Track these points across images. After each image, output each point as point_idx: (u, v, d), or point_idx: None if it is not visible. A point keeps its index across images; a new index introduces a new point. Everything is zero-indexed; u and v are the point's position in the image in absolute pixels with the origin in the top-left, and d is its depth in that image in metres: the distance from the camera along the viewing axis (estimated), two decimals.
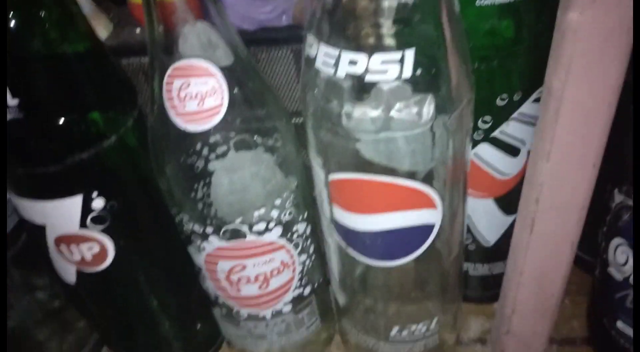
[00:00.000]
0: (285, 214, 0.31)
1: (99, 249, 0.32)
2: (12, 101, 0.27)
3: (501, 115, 0.32)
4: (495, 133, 0.33)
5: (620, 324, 0.34)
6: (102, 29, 0.35)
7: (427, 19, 0.24)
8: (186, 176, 0.29)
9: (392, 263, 0.31)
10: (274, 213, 0.31)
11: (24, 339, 0.40)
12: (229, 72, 0.27)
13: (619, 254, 0.32)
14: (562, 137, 0.28)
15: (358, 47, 0.24)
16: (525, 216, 0.32)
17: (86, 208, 0.30)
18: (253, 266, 0.32)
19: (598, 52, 0.26)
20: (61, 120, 0.28)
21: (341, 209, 0.29)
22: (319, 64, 0.25)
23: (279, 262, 0.32)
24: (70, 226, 0.30)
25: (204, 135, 0.28)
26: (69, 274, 0.33)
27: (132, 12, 0.35)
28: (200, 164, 0.28)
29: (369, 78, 0.24)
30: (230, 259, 0.32)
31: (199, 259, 0.33)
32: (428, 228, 0.29)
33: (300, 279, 0.34)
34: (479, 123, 0.32)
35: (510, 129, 0.33)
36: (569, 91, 0.27)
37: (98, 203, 0.30)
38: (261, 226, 0.30)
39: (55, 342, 0.41)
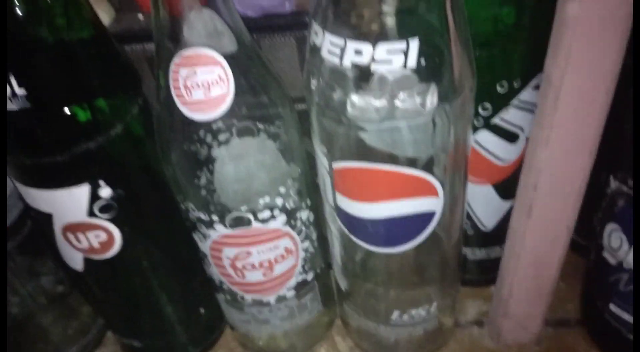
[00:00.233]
0: (289, 202, 0.32)
1: (106, 237, 0.32)
2: (18, 90, 0.27)
3: (501, 102, 0.33)
4: (495, 120, 0.33)
5: (613, 307, 0.35)
6: (105, 15, 0.35)
7: (431, 7, 0.25)
8: (191, 164, 0.30)
9: (394, 250, 0.31)
10: (278, 201, 0.31)
11: (28, 324, 0.40)
12: (234, 60, 0.28)
13: (614, 239, 0.33)
14: (560, 124, 0.29)
15: (363, 36, 0.24)
16: (524, 201, 0.33)
17: (93, 197, 0.30)
18: (257, 253, 0.32)
19: (596, 42, 0.26)
20: (67, 110, 0.28)
21: (344, 196, 0.30)
22: (324, 52, 0.25)
23: (283, 249, 0.33)
24: (77, 214, 0.31)
25: (210, 124, 0.28)
26: (76, 262, 0.34)
27: None
28: (205, 152, 0.29)
29: (374, 67, 0.25)
30: (235, 246, 0.32)
31: (204, 246, 0.33)
32: (430, 215, 0.30)
33: (304, 266, 0.35)
34: (479, 110, 0.33)
35: (509, 116, 0.33)
36: (567, 80, 0.27)
37: (105, 192, 0.31)
38: (266, 214, 0.31)
39: (60, 327, 0.42)
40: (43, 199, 0.31)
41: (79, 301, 0.42)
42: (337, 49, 0.25)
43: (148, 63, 0.35)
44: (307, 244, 0.35)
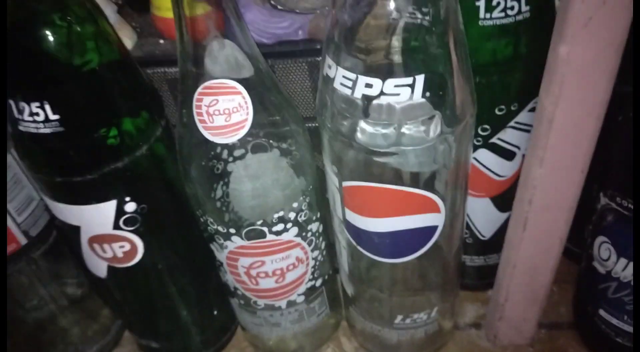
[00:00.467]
0: (301, 215, 0.34)
1: (130, 247, 0.34)
2: (53, 116, 0.29)
3: (499, 124, 0.35)
4: (494, 139, 0.36)
5: (602, 312, 0.37)
6: (127, 40, 0.37)
7: (436, 45, 0.27)
8: (211, 181, 0.32)
9: (398, 260, 0.34)
10: (291, 215, 0.33)
11: (50, 325, 0.43)
12: (251, 85, 0.30)
13: (603, 250, 0.35)
14: (554, 146, 0.31)
15: (373, 71, 0.27)
16: (519, 215, 0.35)
17: (119, 211, 0.33)
18: (271, 262, 0.35)
19: (586, 77, 0.28)
20: (98, 133, 0.30)
21: (353, 212, 0.32)
22: (337, 84, 0.28)
23: (294, 258, 0.35)
24: (104, 227, 0.33)
25: (230, 146, 0.30)
26: (100, 269, 0.36)
27: (154, 24, 0.37)
28: (223, 170, 0.31)
29: (382, 99, 0.27)
30: (251, 256, 0.34)
31: (221, 256, 0.36)
32: (432, 229, 0.32)
33: (313, 273, 0.37)
34: (479, 130, 0.35)
35: (507, 136, 0.35)
36: (560, 108, 0.30)
37: (130, 207, 0.33)
38: (279, 227, 0.33)
39: (80, 328, 0.44)
40: (72, 213, 0.33)
41: (99, 304, 0.45)
42: (349, 82, 0.27)
43: (169, 86, 0.37)
44: (316, 253, 0.37)
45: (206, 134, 0.30)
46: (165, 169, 0.34)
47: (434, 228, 0.32)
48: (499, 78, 0.33)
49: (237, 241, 0.34)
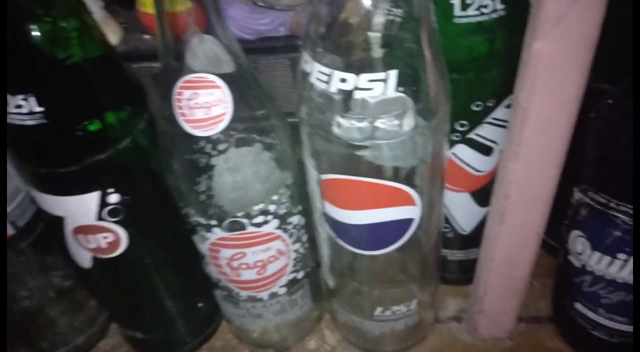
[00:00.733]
0: (281, 208, 0.35)
1: (113, 238, 0.35)
2: (37, 109, 0.30)
3: (476, 120, 0.36)
4: (471, 135, 0.36)
5: (578, 305, 0.38)
6: (113, 35, 0.37)
7: (410, 42, 0.28)
8: (192, 173, 0.33)
9: (377, 252, 0.34)
10: (272, 207, 0.34)
11: (38, 316, 0.43)
12: (231, 80, 0.31)
13: (578, 244, 0.36)
14: (528, 141, 0.32)
15: (348, 66, 0.27)
16: (496, 209, 0.36)
17: (103, 202, 0.33)
18: (252, 254, 0.35)
19: (559, 72, 0.29)
20: (81, 125, 0.31)
21: (331, 204, 0.33)
22: (313, 79, 0.28)
23: (275, 250, 0.36)
24: (87, 218, 0.34)
25: (209, 138, 0.31)
26: (85, 260, 0.37)
27: (140, 19, 0.38)
28: (205, 162, 0.32)
29: (357, 93, 0.27)
30: (232, 247, 0.35)
31: (203, 247, 0.36)
32: (408, 222, 0.33)
33: (294, 265, 0.38)
34: (457, 126, 0.36)
35: (484, 132, 0.36)
36: (534, 103, 0.30)
37: (113, 198, 0.34)
38: (260, 219, 0.34)
39: (67, 319, 0.45)
40: (56, 204, 0.34)
41: (86, 295, 0.45)
42: (325, 77, 0.28)
43: (153, 80, 0.38)
44: (297, 245, 0.38)
45: (186, 127, 0.30)
46: (148, 161, 0.35)
47: (411, 220, 0.33)
48: (475, 75, 0.34)
49: (218, 233, 0.34)
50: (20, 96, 0.30)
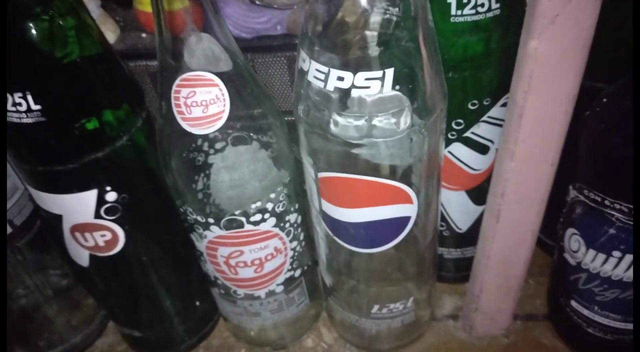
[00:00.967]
0: (278, 206, 0.35)
1: (111, 236, 0.35)
2: (34, 106, 0.30)
3: (472, 118, 0.36)
4: (467, 134, 0.36)
5: (574, 303, 0.38)
6: (111, 34, 0.37)
7: (406, 40, 0.28)
8: (190, 171, 0.33)
9: (374, 250, 0.35)
10: (269, 205, 0.34)
11: (35, 315, 0.44)
12: (229, 78, 0.31)
13: (573, 242, 0.36)
14: (524, 140, 0.32)
15: (345, 64, 0.27)
16: (492, 207, 0.36)
17: (100, 201, 0.33)
18: (249, 252, 0.36)
19: (555, 71, 0.29)
20: (79, 123, 0.31)
21: (328, 202, 0.33)
22: (310, 77, 0.29)
23: (272, 248, 0.36)
24: (85, 216, 0.34)
25: (207, 137, 0.31)
26: (82, 258, 0.37)
27: (137, 18, 0.38)
28: (202, 161, 0.32)
29: (354, 92, 0.28)
30: (229, 245, 0.35)
31: (201, 246, 0.36)
32: (405, 220, 0.33)
33: (292, 263, 0.38)
34: (453, 125, 0.36)
35: (480, 130, 0.36)
36: (530, 102, 0.31)
37: (111, 196, 0.34)
38: (257, 217, 0.34)
39: (64, 318, 0.45)
40: (54, 202, 0.34)
41: (83, 294, 0.45)
42: (322, 75, 0.28)
43: (151, 78, 0.38)
44: (295, 243, 0.38)
45: (184, 125, 0.31)
46: (146, 159, 0.35)
47: (408, 218, 0.33)
48: (471, 73, 0.34)
49: (215, 231, 0.35)
50: (18, 94, 0.30)
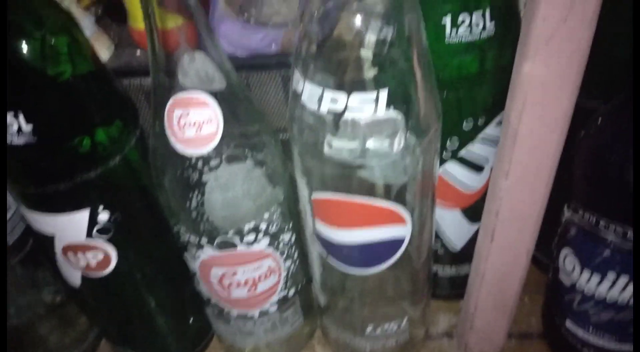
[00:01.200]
0: (272, 226, 0.35)
1: (103, 256, 0.35)
2: (26, 127, 0.30)
3: (467, 137, 0.36)
4: (462, 152, 0.36)
5: (569, 324, 0.38)
6: (105, 50, 0.37)
7: (400, 62, 0.28)
8: (183, 191, 0.33)
9: (368, 270, 0.34)
10: (263, 225, 0.34)
11: (28, 333, 0.43)
12: (222, 97, 0.31)
13: (568, 262, 0.36)
14: (518, 159, 0.32)
15: (339, 86, 0.27)
16: (487, 226, 0.36)
17: (92, 221, 0.33)
18: (243, 272, 0.35)
19: (549, 92, 0.29)
20: (71, 143, 0.31)
21: (322, 223, 0.33)
22: (304, 99, 0.28)
23: (266, 268, 0.36)
24: (77, 236, 0.33)
25: (201, 157, 0.31)
26: (74, 278, 0.37)
27: (131, 35, 0.38)
28: (196, 181, 0.32)
29: (347, 113, 0.27)
30: (223, 266, 0.35)
31: (194, 265, 0.36)
32: (399, 240, 0.33)
33: (285, 283, 0.38)
34: (448, 143, 0.36)
35: (475, 149, 0.36)
36: (524, 123, 0.31)
37: (103, 216, 0.33)
38: (251, 237, 0.34)
39: (57, 336, 0.45)
40: (46, 222, 0.33)
41: (76, 312, 0.45)
42: (316, 97, 0.28)
43: (145, 96, 0.38)
44: (289, 263, 0.37)
45: (177, 146, 0.30)
46: (139, 178, 0.35)
47: (402, 239, 0.33)
48: (466, 93, 0.34)
49: (208, 251, 0.34)
50: (10, 113, 0.29)
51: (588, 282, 0.35)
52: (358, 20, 0.27)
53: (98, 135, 0.32)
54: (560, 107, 0.30)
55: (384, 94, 0.27)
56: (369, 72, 0.28)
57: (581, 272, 0.35)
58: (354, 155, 0.29)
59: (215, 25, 0.35)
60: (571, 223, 0.35)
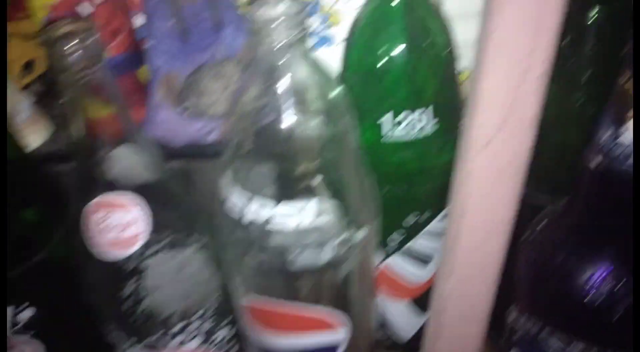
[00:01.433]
0: (206, 323, 0.33)
1: None
2: None
3: (412, 231, 0.35)
4: (408, 246, 0.35)
5: None
6: (37, 136, 0.36)
7: (331, 164, 0.27)
8: (110, 290, 0.31)
9: None
10: (195, 324, 0.32)
11: None
12: (150, 190, 0.29)
13: None
14: (462, 259, 0.31)
15: (265, 195, 0.26)
16: (434, 324, 0.35)
17: (17, 317, 0.31)
18: None
19: (491, 191, 0.29)
20: None
21: (254, 327, 0.31)
22: (230, 204, 0.27)
23: None
24: None
25: (126, 258, 0.29)
26: None
27: None
28: (121, 283, 0.30)
29: (274, 223, 0.26)
30: None
31: None
32: (335, 345, 0.31)
33: None
34: (393, 237, 0.35)
35: (420, 243, 0.35)
36: (467, 222, 0.30)
37: (27, 313, 0.31)
38: (180, 338, 0.32)
39: None
40: None
41: None
42: (241, 205, 0.26)
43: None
44: None
45: (99, 250, 0.29)
46: (65, 274, 0.33)
47: (338, 343, 0.31)
48: (409, 188, 0.33)
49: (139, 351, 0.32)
50: None
51: None
52: (284, 123, 0.26)
53: (23, 231, 0.30)
54: (503, 208, 0.30)
55: (312, 203, 0.26)
56: (301, 180, 0.27)
57: None
58: (282, 263, 0.27)
59: (152, 114, 0.34)
60: (516, 325, 0.34)
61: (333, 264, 0.28)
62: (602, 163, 0.25)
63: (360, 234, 0.29)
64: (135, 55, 0.35)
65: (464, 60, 0.33)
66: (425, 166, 0.32)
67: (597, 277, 0.28)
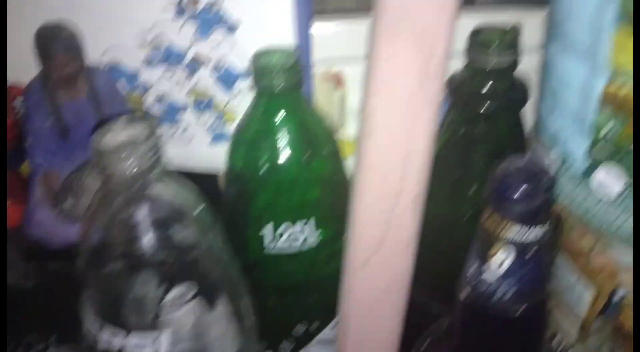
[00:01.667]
0: None
1: None
2: None
3: (302, 341, 0.33)
4: None
5: None
6: None
7: (191, 292, 0.25)
8: None
9: None
10: None
11: None
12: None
13: None
14: None
15: (119, 324, 0.24)
16: None
17: None
18: None
19: (374, 309, 0.28)
20: None
21: None
22: (85, 329, 0.25)
23: None
24: None
25: None
26: None
27: None
28: None
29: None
30: None
31: None
32: None
33: None
34: (282, 347, 0.33)
35: (313, 351, 0.34)
36: (351, 334, 0.28)
37: None
38: None
39: None
40: None
41: None
42: (94, 332, 0.25)
43: None
44: None
45: None
46: None
47: None
48: (295, 299, 0.31)
49: None
50: None
51: None
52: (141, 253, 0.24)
53: None
54: (386, 323, 0.29)
55: (165, 335, 0.24)
56: (152, 311, 0.25)
57: None
58: None
59: (30, 214, 0.32)
60: None
61: None
62: (470, 296, 0.24)
63: None
64: (19, 151, 0.34)
65: None
66: (311, 278, 0.31)
67: None
